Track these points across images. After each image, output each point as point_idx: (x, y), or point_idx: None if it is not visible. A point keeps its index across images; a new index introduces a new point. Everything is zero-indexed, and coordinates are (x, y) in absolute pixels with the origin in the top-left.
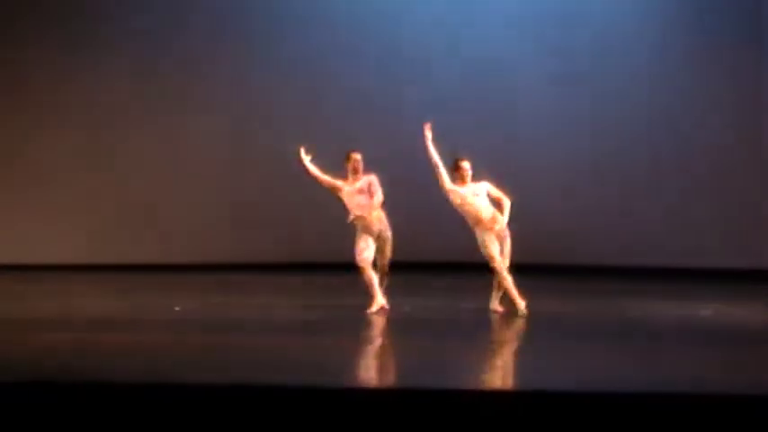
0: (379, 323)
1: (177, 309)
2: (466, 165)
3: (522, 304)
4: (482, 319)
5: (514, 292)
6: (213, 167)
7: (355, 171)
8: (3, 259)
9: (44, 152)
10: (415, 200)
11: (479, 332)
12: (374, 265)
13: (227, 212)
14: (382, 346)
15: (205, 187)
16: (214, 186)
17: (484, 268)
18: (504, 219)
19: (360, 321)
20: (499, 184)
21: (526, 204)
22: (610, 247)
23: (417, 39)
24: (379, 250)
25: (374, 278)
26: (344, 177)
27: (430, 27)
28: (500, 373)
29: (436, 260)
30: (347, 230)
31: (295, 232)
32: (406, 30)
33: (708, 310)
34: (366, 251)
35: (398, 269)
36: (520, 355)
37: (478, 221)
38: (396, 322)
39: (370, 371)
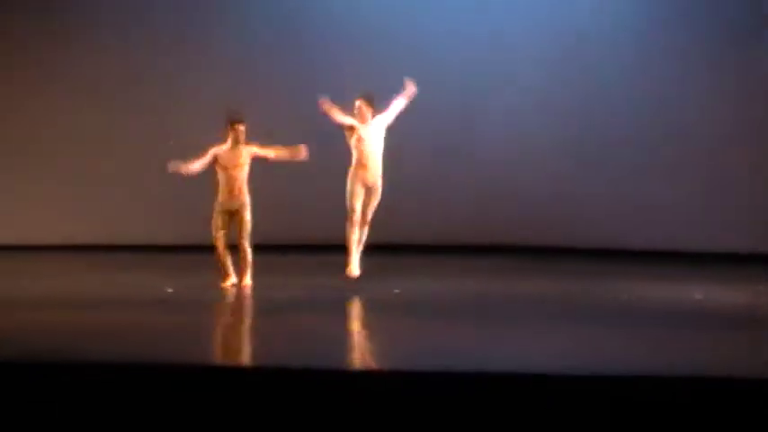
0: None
1: (169, 290)
2: (357, 102)
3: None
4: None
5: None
6: None
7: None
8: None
9: (50, 134)
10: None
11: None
12: None
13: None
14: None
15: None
16: None
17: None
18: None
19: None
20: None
21: (520, 187)
22: (603, 229)
23: (411, 19)
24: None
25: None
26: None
27: (419, 7)
28: (480, 354)
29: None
30: None
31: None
32: (398, 10)
33: (701, 293)
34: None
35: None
36: (509, 336)
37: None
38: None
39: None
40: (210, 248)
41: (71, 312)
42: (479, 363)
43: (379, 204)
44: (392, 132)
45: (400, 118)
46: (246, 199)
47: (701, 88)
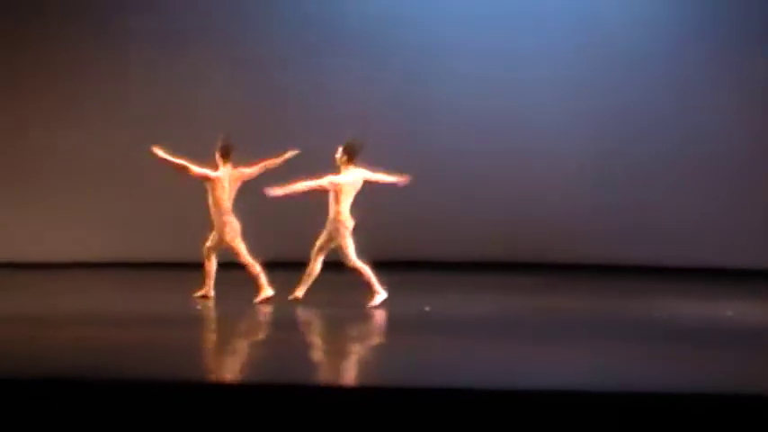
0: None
1: (199, 307)
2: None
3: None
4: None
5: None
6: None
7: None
8: (27, 257)
9: (69, 151)
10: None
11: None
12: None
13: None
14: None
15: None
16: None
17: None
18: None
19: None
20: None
21: (544, 203)
22: (633, 246)
23: (427, 35)
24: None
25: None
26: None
27: (439, 23)
28: (521, 371)
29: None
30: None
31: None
32: (414, 25)
33: (732, 310)
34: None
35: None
36: (541, 353)
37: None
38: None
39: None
40: (235, 265)
41: (105, 330)
42: (509, 380)
43: (410, 221)
44: (423, 152)
45: (432, 138)
46: None
47: (728, 105)
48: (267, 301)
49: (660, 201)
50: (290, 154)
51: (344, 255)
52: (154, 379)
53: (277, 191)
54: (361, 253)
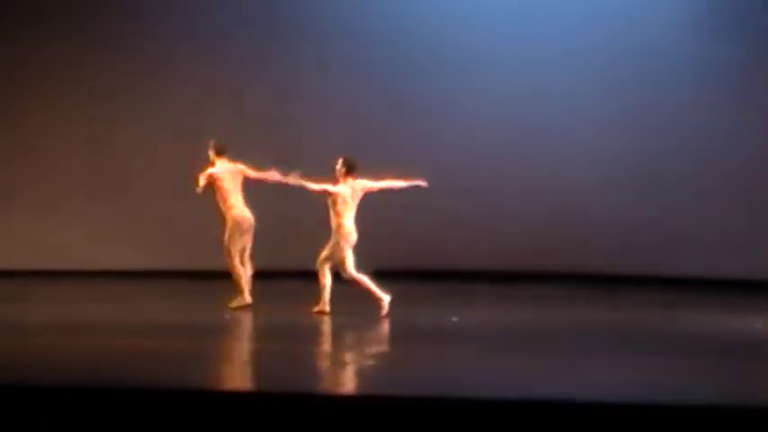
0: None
1: (227, 317)
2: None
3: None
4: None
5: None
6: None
7: None
8: (54, 265)
9: (101, 161)
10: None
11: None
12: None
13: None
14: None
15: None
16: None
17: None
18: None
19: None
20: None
21: (574, 214)
22: (664, 257)
23: (455, 40)
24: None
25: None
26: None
27: (464, 26)
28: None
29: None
30: None
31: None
32: (443, 29)
33: (761, 323)
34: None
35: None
36: (569, 365)
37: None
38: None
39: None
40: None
41: (132, 338)
42: (540, 391)
43: (441, 232)
44: (453, 159)
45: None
46: None
47: (763, 114)
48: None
49: (692, 212)
50: (293, 180)
51: (342, 267)
52: (182, 388)
53: (283, 177)
54: (391, 261)
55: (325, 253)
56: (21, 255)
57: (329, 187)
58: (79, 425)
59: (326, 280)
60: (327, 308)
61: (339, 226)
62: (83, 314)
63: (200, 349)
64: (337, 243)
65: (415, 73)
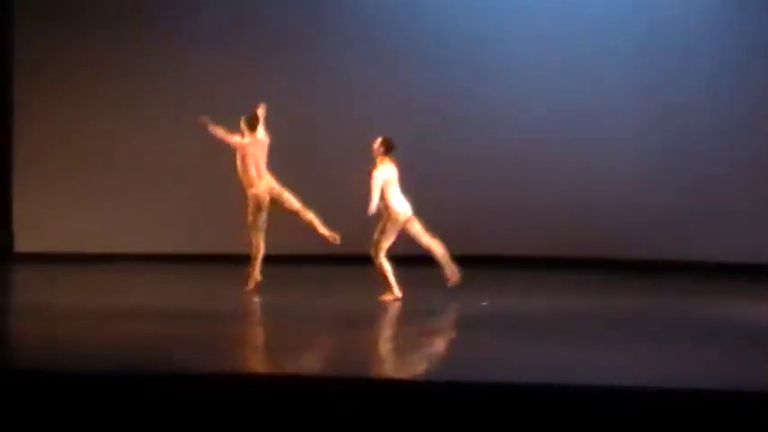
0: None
1: (256, 300)
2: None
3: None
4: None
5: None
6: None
7: None
8: (79, 248)
9: (135, 147)
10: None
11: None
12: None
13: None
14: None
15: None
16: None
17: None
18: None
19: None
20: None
21: (608, 200)
22: (698, 243)
23: (497, 34)
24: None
25: None
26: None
27: (496, 22)
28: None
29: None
30: None
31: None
32: (473, 23)
33: None
34: None
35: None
36: (591, 351)
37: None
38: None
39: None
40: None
41: (166, 323)
42: (561, 376)
43: (470, 218)
44: (487, 144)
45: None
46: None
47: None
48: None
49: (728, 200)
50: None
51: (377, 246)
52: (214, 372)
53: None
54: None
55: (377, 237)
56: (53, 239)
57: (376, 172)
58: (109, 413)
59: (387, 266)
60: (398, 292)
61: (387, 209)
62: (121, 299)
63: (241, 335)
64: (386, 226)
65: (451, 65)
